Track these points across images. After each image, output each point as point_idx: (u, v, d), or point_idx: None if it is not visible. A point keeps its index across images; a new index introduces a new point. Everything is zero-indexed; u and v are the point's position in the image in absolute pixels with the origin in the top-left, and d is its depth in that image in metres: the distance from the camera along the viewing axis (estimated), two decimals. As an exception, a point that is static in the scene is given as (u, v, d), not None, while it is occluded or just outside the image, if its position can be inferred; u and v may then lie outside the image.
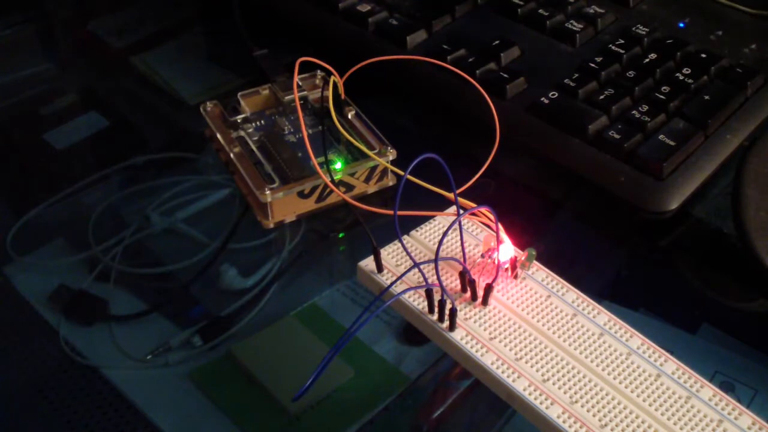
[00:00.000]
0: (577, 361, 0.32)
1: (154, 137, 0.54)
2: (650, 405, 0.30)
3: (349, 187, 0.43)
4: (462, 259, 0.34)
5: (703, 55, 0.47)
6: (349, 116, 0.45)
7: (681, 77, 0.45)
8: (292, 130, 0.45)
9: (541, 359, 0.32)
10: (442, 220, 0.38)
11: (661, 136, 0.42)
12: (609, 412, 0.30)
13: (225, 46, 0.59)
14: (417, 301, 0.34)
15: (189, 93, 0.54)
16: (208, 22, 0.62)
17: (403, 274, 0.34)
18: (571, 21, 0.50)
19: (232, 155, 0.43)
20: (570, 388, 0.31)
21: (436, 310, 0.33)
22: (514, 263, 0.35)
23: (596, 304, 0.34)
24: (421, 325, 0.34)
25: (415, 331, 0.35)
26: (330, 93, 0.44)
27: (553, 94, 0.45)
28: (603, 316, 0.34)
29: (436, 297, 0.33)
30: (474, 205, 0.34)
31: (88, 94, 0.56)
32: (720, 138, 0.43)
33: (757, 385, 0.37)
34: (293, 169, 0.42)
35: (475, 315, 0.34)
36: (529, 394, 0.31)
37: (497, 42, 0.49)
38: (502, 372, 0.32)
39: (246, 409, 0.37)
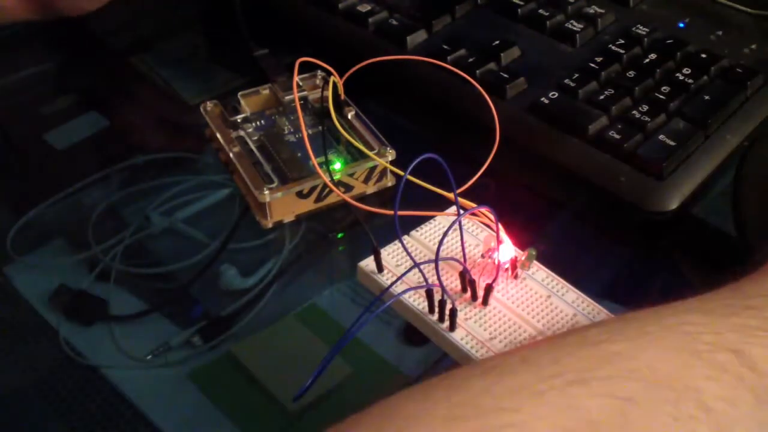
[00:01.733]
0: (577, 361, 0.32)
1: (154, 137, 0.54)
2: (650, 405, 0.30)
3: (348, 188, 0.43)
4: (462, 259, 0.34)
5: (703, 55, 0.47)
6: (349, 116, 0.45)
7: (681, 77, 0.45)
8: (292, 130, 0.45)
9: (541, 359, 0.32)
10: (442, 220, 0.38)
11: (661, 136, 0.42)
12: (609, 412, 0.30)
13: (225, 46, 0.59)
14: (417, 301, 0.34)
15: (189, 93, 0.54)
16: (208, 22, 0.62)
17: (403, 274, 0.34)
18: (571, 21, 0.50)
19: (231, 155, 0.43)
20: (570, 388, 0.31)
21: (437, 310, 0.33)
22: (514, 263, 0.35)
23: (596, 304, 0.34)
24: (421, 325, 0.34)
25: (415, 331, 0.35)
26: (330, 93, 0.44)
27: (553, 94, 0.45)
28: (603, 316, 0.34)
29: (437, 297, 0.33)
30: (474, 205, 0.34)
31: (88, 94, 0.56)
32: (720, 138, 0.43)
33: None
34: (292, 169, 0.42)
35: (475, 315, 0.34)
36: (529, 394, 0.31)
37: (497, 42, 0.49)
38: (502, 372, 0.32)
39: (246, 409, 0.37)
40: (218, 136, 0.45)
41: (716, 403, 0.24)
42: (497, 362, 0.26)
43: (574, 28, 0.49)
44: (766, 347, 0.26)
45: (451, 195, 0.33)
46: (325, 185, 0.42)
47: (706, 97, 0.44)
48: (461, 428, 0.23)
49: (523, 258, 0.35)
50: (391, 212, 0.32)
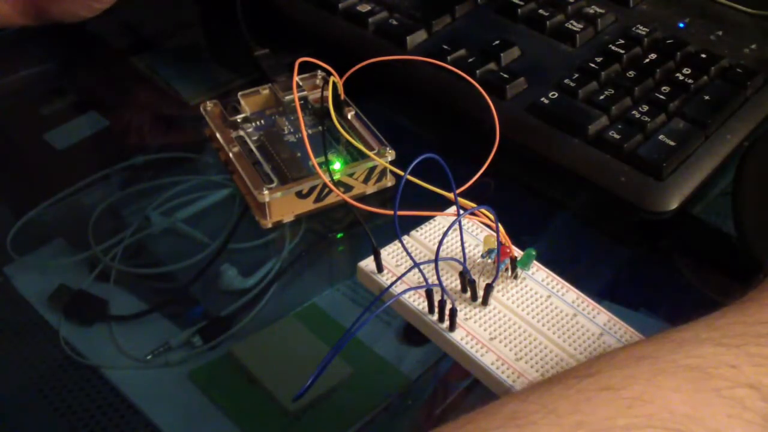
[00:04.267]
0: (576, 361, 0.32)
1: (154, 137, 0.54)
2: (650, 405, 0.30)
3: (348, 188, 0.43)
4: (462, 259, 0.34)
5: (703, 55, 0.47)
6: (349, 116, 0.45)
7: (681, 77, 0.45)
8: (291, 130, 0.45)
9: (541, 359, 0.32)
10: (442, 220, 0.38)
11: (661, 136, 0.42)
12: (609, 412, 0.30)
13: (225, 46, 0.59)
14: (417, 301, 0.34)
15: (189, 93, 0.54)
16: (208, 22, 0.62)
17: (403, 275, 0.34)
18: (571, 21, 0.50)
19: (231, 155, 0.43)
20: (570, 388, 0.31)
21: (436, 310, 0.33)
22: (514, 263, 0.35)
23: (596, 304, 0.34)
24: (421, 325, 0.34)
25: (415, 331, 0.35)
26: (330, 93, 0.44)
27: (553, 94, 0.45)
28: (603, 316, 0.34)
29: (436, 297, 0.33)
30: (474, 205, 0.34)
31: (88, 94, 0.56)
32: (720, 138, 0.43)
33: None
34: (292, 169, 0.42)
35: (475, 315, 0.34)
36: (529, 394, 0.31)
37: (497, 42, 0.49)
38: (502, 372, 0.32)
39: (246, 409, 0.37)
40: (218, 136, 0.45)
41: None
42: (514, 409, 0.25)
43: (574, 28, 0.49)
44: None
45: (451, 195, 0.33)
46: (324, 185, 0.42)
47: (706, 97, 0.44)
48: None
49: (522, 258, 0.35)
50: (391, 212, 0.32)
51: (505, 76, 0.46)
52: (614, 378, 0.26)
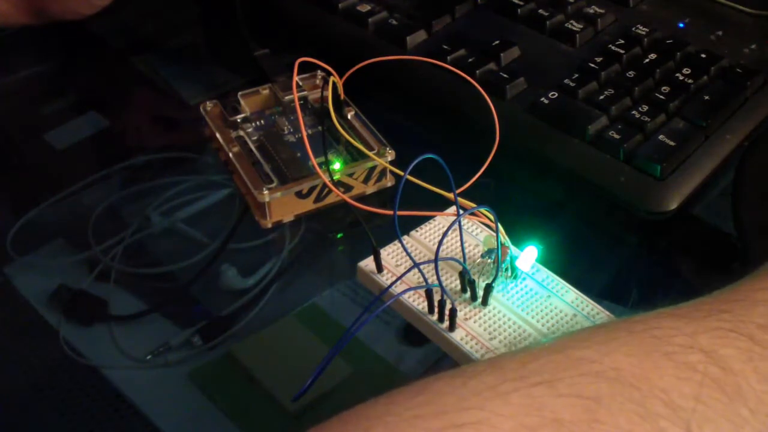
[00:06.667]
0: (576, 361, 0.32)
1: (154, 137, 0.54)
2: (650, 405, 0.30)
3: (348, 188, 0.43)
4: (462, 259, 0.34)
5: (703, 55, 0.47)
6: (349, 117, 0.45)
7: (681, 77, 0.45)
8: (291, 130, 0.45)
9: (541, 359, 0.32)
10: (442, 220, 0.38)
11: (661, 136, 0.42)
12: (609, 412, 0.30)
13: (225, 46, 0.59)
14: (417, 301, 0.34)
15: (189, 93, 0.54)
16: (208, 21, 0.62)
17: (403, 275, 0.34)
18: (571, 21, 0.50)
19: (231, 155, 0.43)
20: (570, 388, 0.31)
21: (436, 310, 0.33)
22: (513, 263, 0.35)
23: (596, 305, 0.34)
24: (421, 325, 0.34)
25: (415, 331, 0.35)
26: (330, 93, 0.44)
27: (553, 94, 0.45)
28: (603, 316, 0.34)
29: (436, 297, 0.33)
30: (474, 205, 0.34)
31: (88, 94, 0.56)
32: (720, 138, 0.43)
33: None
34: (292, 169, 0.42)
35: (474, 315, 0.34)
36: (529, 394, 0.31)
37: (497, 42, 0.49)
38: (502, 372, 0.32)
39: (246, 409, 0.37)
40: (218, 136, 0.45)
41: (685, 402, 0.24)
42: (465, 368, 0.26)
43: (574, 28, 0.49)
44: (739, 348, 0.26)
45: (451, 195, 0.33)
46: (324, 185, 0.42)
47: (706, 97, 0.44)
48: (424, 426, 0.23)
49: (522, 257, 0.35)
50: (391, 212, 0.32)
51: (505, 76, 0.46)
52: (567, 342, 0.26)
